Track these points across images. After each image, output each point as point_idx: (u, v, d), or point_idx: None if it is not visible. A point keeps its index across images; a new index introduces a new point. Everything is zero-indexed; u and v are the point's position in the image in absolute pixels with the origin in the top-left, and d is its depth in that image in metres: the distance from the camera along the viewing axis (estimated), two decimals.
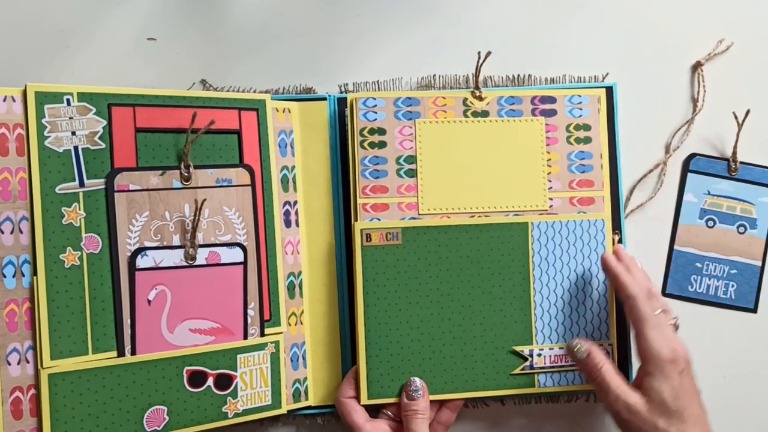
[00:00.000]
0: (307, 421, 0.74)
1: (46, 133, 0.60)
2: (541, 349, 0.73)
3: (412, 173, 0.72)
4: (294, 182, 0.72)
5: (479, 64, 0.72)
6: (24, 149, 0.60)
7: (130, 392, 0.62)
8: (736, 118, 0.77)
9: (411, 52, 0.77)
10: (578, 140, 0.74)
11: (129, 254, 0.62)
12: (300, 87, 0.74)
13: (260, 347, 0.68)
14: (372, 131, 0.71)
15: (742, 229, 0.78)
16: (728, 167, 0.77)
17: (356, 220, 0.70)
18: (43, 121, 0.60)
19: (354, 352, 0.73)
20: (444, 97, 0.73)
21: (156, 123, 0.64)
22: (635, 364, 0.76)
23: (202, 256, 0.65)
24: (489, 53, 0.72)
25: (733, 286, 0.78)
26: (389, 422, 0.70)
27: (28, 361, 0.60)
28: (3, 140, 0.59)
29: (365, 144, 0.71)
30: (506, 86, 0.77)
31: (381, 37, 0.77)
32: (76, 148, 0.61)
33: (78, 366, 0.60)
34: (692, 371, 0.66)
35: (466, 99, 0.73)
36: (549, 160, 0.74)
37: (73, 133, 0.61)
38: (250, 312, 0.67)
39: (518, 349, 0.72)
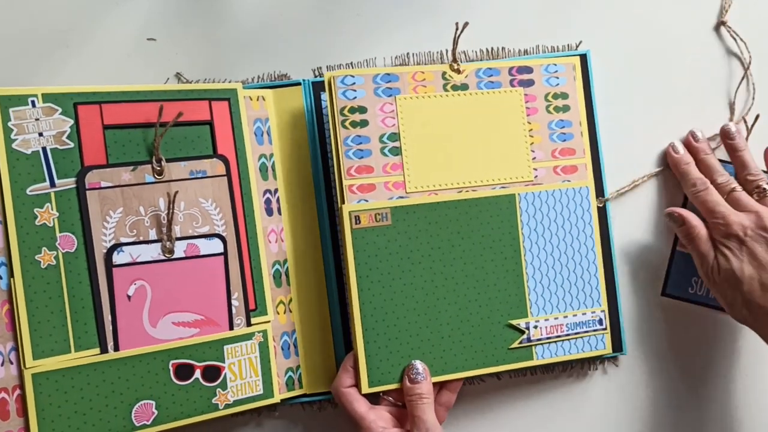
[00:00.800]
0: (304, 409, 0.73)
1: (12, 136, 0.60)
2: (537, 321, 0.71)
3: (397, 151, 0.70)
4: (273, 170, 0.71)
5: (456, 36, 0.71)
6: None
7: (116, 388, 0.62)
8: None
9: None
10: (557, 109, 0.73)
11: (105, 251, 0.62)
12: (275, 74, 0.73)
13: (247, 337, 0.67)
14: (353, 110, 0.70)
15: None
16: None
17: (343, 202, 0.69)
18: (9, 124, 0.60)
19: (347, 337, 0.72)
20: (423, 72, 0.71)
21: (124, 119, 0.64)
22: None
23: (180, 249, 0.65)
24: (466, 24, 0.70)
25: None
26: (391, 408, 0.69)
27: (11, 362, 0.60)
28: None
29: (347, 123, 0.70)
30: (480, 60, 0.75)
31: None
32: (44, 149, 0.61)
33: (61, 364, 0.61)
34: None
35: (444, 72, 0.72)
36: (531, 130, 0.72)
37: (41, 134, 0.61)
38: (234, 302, 0.67)
39: (514, 322, 0.71)
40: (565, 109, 0.73)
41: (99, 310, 0.62)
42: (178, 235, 0.65)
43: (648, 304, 0.77)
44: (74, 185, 0.62)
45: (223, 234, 0.67)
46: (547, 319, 0.71)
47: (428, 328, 0.70)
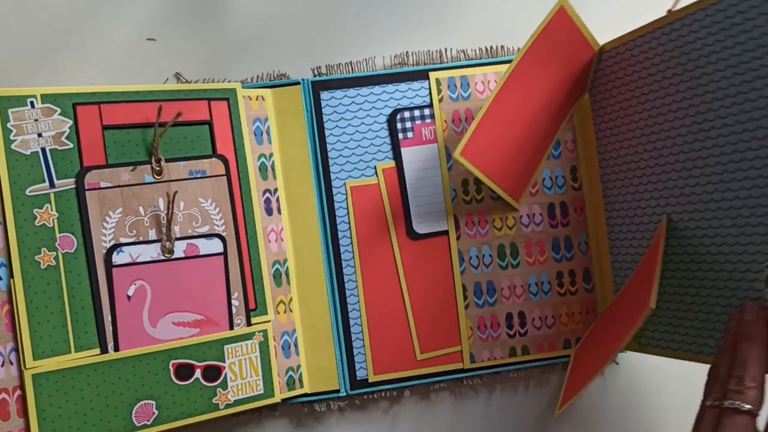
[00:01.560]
0: (305, 409, 0.73)
1: (11, 137, 0.60)
2: None
3: None
4: (273, 170, 0.71)
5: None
6: None
7: (116, 388, 0.62)
8: None
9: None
10: None
11: (104, 251, 0.62)
12: (274, 74, 0.73)
13: (247, 337, 0.67)
14: None
15: None
16: None
17: None
18: (8, 125, 0.60)
19: (347, 335, 0.72)
20: None
21: (123, 119, 0.64)
22: None
23: (180, 248, 0.65)
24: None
25: None
26: None
27: (11, 363, 0.60)
28: None
29: None
30: (480, 59, 0.75)
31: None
32: (43, 149, 0.61)
33: (61, 365, 0.61)
34: None
35: None
36: None
37: (40, 135, 0.61)
38: (234, 302, 0.67)
39: None
40: None
41: (99, 310, 0.62)
42: (178, 235, 0.65)
43: None
44: (74, 186, 0.62)
45: (223, 234, 0.67)
46: None
47: None
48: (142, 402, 0.63)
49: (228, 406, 0.66)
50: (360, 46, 0.76)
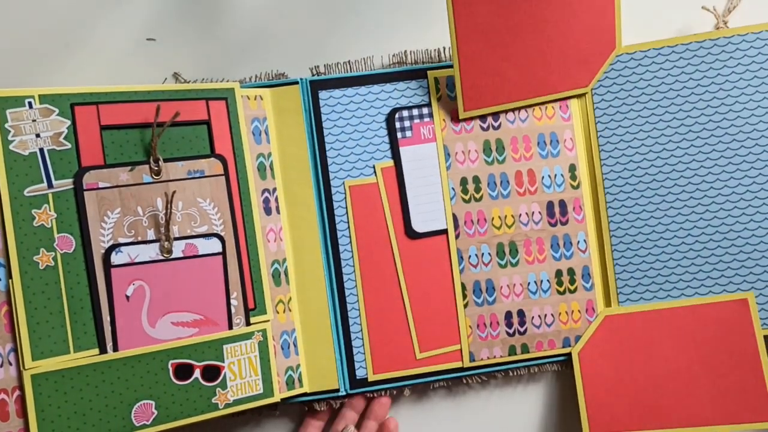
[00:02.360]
0: (305, 408, 0.73)
1: (9, 138, 0.60)
2: None
3: None
4: (271, 169, 0.71)
5: None
6: None
7: (115, 388, 0.62)
8: None
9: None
10: None
11: (103, 251, 0.62)
12: (272, 73, 0.73)
13: (247, 336, 0.67)
14: None
15: None
16: None
17: None
18: (6, 125, 0.60)
19: (346, 335, 0.72)
20: None
21: (121, 119, 0.64)
22: None
23: (178, 248, 0.65)
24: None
25: None
26: None
27: (11, 363, 0.60)
28: None
29: None
30: None
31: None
32: (41, 150, 0.61)
33: (60, 365, 0.61)
34: None
35: None
36: None
37: (38, 136, 0.61)
38: (234, 302, 0.67)
39: None
40: None
41: (98, 310, 0.62)
42: (177, 235, 0.65)
43: None
44: (72, 186, 0.62)
45: (222, 233, 0.67)
46: None
47: None
48: (142, 402, 0.63)
49: (227, 405, 0.66)
50: (358, 45, 0.76)
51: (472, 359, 0.73)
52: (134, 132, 0.65)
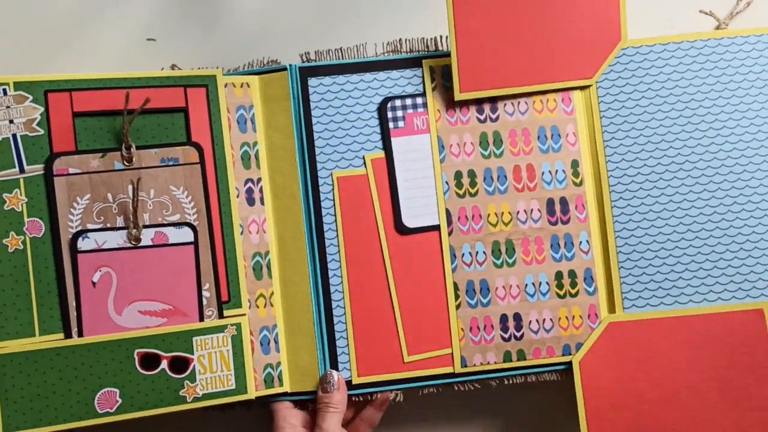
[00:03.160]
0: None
1: None
2: None
3: None
4: (257, 159, 0.69)
5: None
6: None
7: (78, 374, 0.62)
8: None
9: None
10: None
11: (70, 237, 0.63)
12: (265, 60, 0.72)
13: (219, 329, 0.66)
14: None
15: None
16: None
17: None
18: None
19: (330, 333, 0.69)
20: None
21: (95, 106, 0.64)
22: None
23: (148, 236, 0.64)
24: None
25: None
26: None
27: None
28: None
29: None
30: None
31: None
32: (14, 135, 0.62)
33: (25, 347, 0.61)
34: None
35: None
36: None
37: (11, 122, 0.62)
38: (205, 293, 0.66)
39: None
40: None
41: (64, 295, 0.62)
42: (147, 223, 0.64)
43: None
44: (42, 171, 0.62)
45: (195, 223, 0.65)
46: None
47: None
48: (105, 389, 0.63)
49: (196, 399, 0.65)
50: (353, 32, 0.73)
51: (464, 365, 0.69)
52: (107, 119, 0.65)
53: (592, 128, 0.69)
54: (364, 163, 0.70)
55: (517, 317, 0.69)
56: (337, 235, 0.70)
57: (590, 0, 0.68)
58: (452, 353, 0.69)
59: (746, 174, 0.67)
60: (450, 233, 0.69)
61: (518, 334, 0.69)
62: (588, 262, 0.68)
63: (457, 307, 0.69)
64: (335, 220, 0.70)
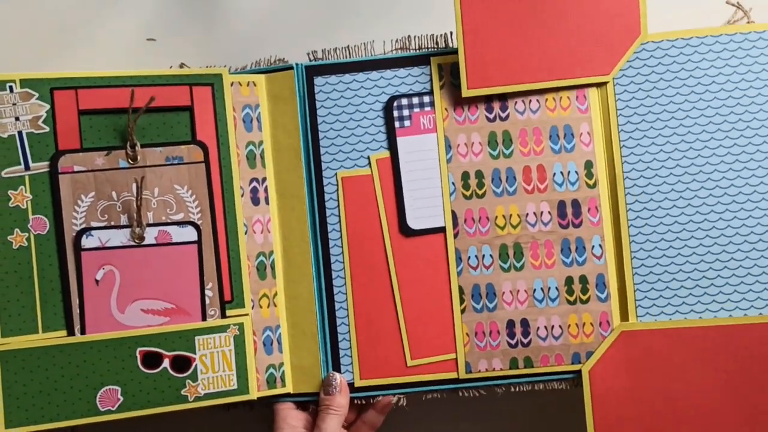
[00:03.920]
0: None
1: None
2: None
3: None
4: (262, 158, 0.69)
5: None
6: None
7: (81, 371, 0.63)
8: None
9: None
10: None
11: (74, 235, 0.63)
12: (272, 59, 0.71)
13: (221, 329, 0.65)
14: None
15: None
16: None
17: None
18: None
19: (333, 335, 0.68)
20: None
21: (100, 104, 0.64)
22: None
23: (151, 235, 0.64)
24: None
25: None
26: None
27: None
28: None
29: None
30: None
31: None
32: (20, 132, 0.63)
33: (28, 344, 0.62)
34: None
35: None
36: None
37: (17, 119, 0.63)
38: (208, 293, 0.65)
39: None
40: None
41: (67, 293, 0.63)
42: (151, 222, 0.64)
43: None
44: (47, 169, 0.63)
45: (198, 222, 0.65)
46: None
47: None
48: (107, 387, 0.63)
49: (198, 399, 0.65)
50: (361, 30, 0.73)
51: (468, 370, 0.67)
52: (113, 117, 0.65)
53: (608, 127, 0.66)
54: (369, 163, 0.69)
55: (525, 323, 0.67)
56: (341, 236, 0.69)
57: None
58: (456, 358, 0.68)
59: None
60: (456, 235, 0.68)
61: (525, 341, 0.67)
62: (600, 267, 0.66)
63: (462, 311, 0.68)
64: (339, 221, 0.69)
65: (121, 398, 0.63)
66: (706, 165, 0.64)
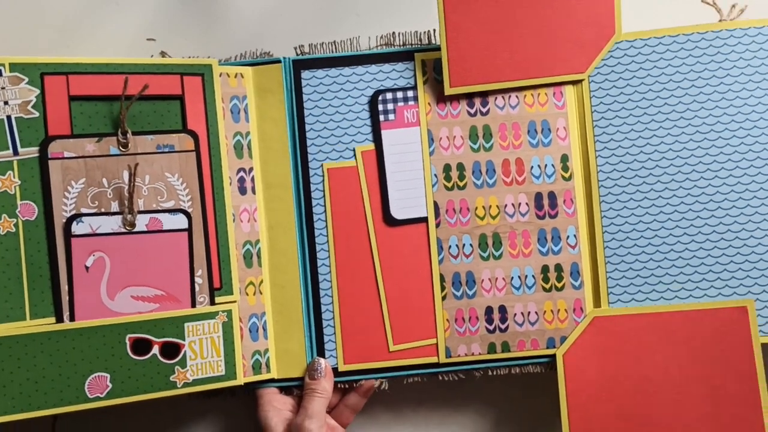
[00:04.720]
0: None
1: None
2: None
3: None
4: (249, 149, 0.70)
5: None
6: None
7: (69, 358, 0.62)
8: None
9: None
10: None
11: (64, 221, 0.63)
12: (258, 52, 0.72)
13: (210, 316, 0.66)
14: None
15: None
16: None
17: None
18: None
19: (317, 322, 0.70)
20: None
21: (91, 90, 0.64)
22: None
23: (142, 222, 0.64)
24: None
25: None
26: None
27: None
28: None
29: None
30: None
31: None
32: (9, 117, 0.62)
33: (16, 331, 0.61)
34: None
35: None
36: None
37: (6, 103, 0.62)
38: (198, 280, 0.66)
39: None
40: None
41: (56, 279, 0.62)
42: (142, 209, 0.65)
43: None
44: (37, 154, 0.62)
45: (189, 210, 0.66)
46: None
47: None
48: (96, 374, 0.63)
49: (186, 385, 0.65)
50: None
51: (448, 355, 0.70)
52: (104, 104, 0.65)
53: (583, 123, 0.70)
54: (355, 155, 0.71)
55: (503, 309, 0.70)
56: (327, 226, 0.70)
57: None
58: (437, 343, 0.70)
59: (738, 170, 0.68)
60: (437, 225, 0.70)
61: (503, 326, 0.70)
62: (575, 256, 0.70)
63: (443, 298, 0.70)
64: (325, 211, 0.71)
65: (110, 385, 0.63)
66: (677, 158, 0.68)
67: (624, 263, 0.68)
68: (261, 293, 0.69)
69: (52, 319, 0.62)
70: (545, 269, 0.70)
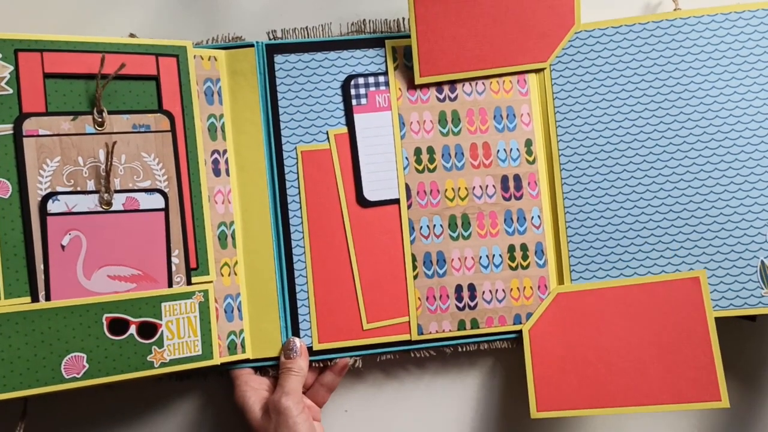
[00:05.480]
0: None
1: None
2: None
3: None
4: (223, 131, 0.70)
5: None
6: None
7: (45, 338, 0.61)
8: None
9: None
10: None
11: (39, 199, 0.62)
12: (230, 36, 0.73)
13: (187, 296, 0.66)
14: None
15: None
16: None
17: None
18: None
19: (292, 303, 0.71)
20: None
21: (66, 68, 0.63)
22: None
23: (119, 201, 0.64)
24: None
25: None
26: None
27: None
28: None
29: None
30: None
31: None
32: None
33: None
34: None
35: None
36: None
37: None
38: (175, 260, 0.66)
39: None
40: None
41: (31, 258, 0.61)
42: (118, 188, 0.64)
43: None
44: (11, 131, 0.61)
45: (165, 190, 0.66)
46: None
47: None
48: (73, 354, 0.62)
49: (163, 364, 0.65)
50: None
51: (420, 332, 0.72)
52: (79, 82, 0.64)
53: (546, 109, 0.74)
54: (328, 138, 0.72)
55: (472, 287, 0.73)
56: (301, 207, 0.72)
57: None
58: (409, 321, 0.72)
59: (693, 152, 0.72)
60: (409, 207, 0.72)
61: (472, 304, 0.72)
62: (539, 236, 0.73)
63: (415, 277, 0.72)
64: (299, 193, 0.72)
65: (87, 365, 0.62)
66: (634, 141, 0.72)
67: (585, 242, 0.72)
68: (236, 274, 0.70)
69: (28, 299, 0.61)
70: (511, 248, 0.73)
